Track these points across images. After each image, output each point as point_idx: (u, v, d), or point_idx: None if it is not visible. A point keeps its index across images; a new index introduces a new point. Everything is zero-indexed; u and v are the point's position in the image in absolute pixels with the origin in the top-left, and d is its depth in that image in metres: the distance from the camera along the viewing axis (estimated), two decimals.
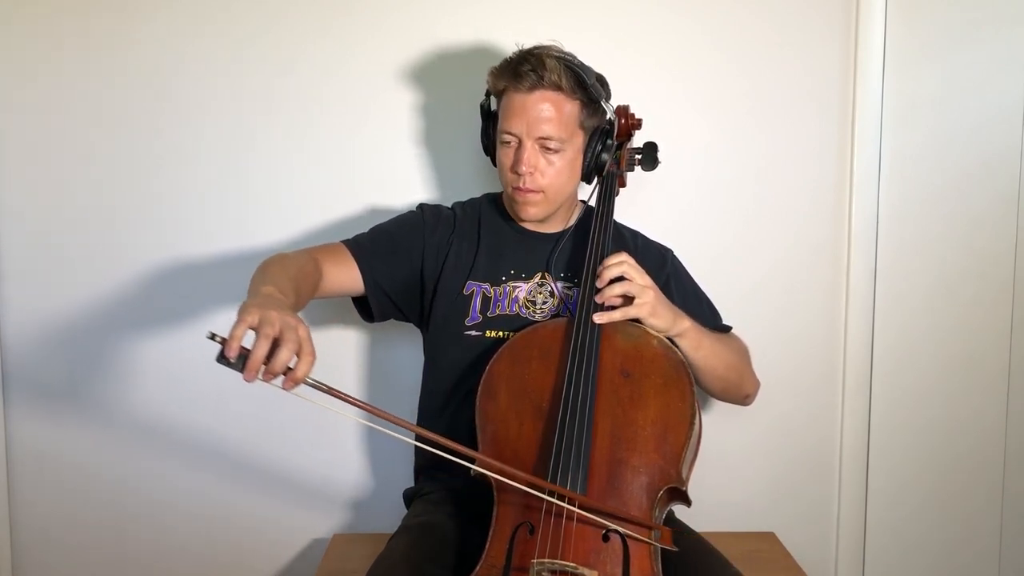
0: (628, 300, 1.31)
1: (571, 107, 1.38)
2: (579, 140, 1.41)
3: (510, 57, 1.40)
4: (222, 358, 0.98)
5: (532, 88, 1.36)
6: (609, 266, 1.32)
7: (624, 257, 1.33)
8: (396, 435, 1.13)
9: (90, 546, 1.79)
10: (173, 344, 1.76)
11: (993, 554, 1.87)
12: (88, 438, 1.77)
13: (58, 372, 1.76)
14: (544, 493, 1.14)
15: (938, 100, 1.77)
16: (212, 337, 0.98)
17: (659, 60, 1.74)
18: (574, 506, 1.14)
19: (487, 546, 1.19)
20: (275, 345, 1.00)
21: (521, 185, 1.39)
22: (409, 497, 1.53)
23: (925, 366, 1.83)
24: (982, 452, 1.85)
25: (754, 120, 1.76)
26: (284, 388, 1.02)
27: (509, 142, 1.40)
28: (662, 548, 1.16)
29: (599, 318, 1.30)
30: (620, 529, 1.14)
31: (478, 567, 1.17)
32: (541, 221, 1.48)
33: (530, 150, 1.37)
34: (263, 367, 0.99)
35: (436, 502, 1.43)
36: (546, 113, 1.36)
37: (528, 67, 1.35)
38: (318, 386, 1.03)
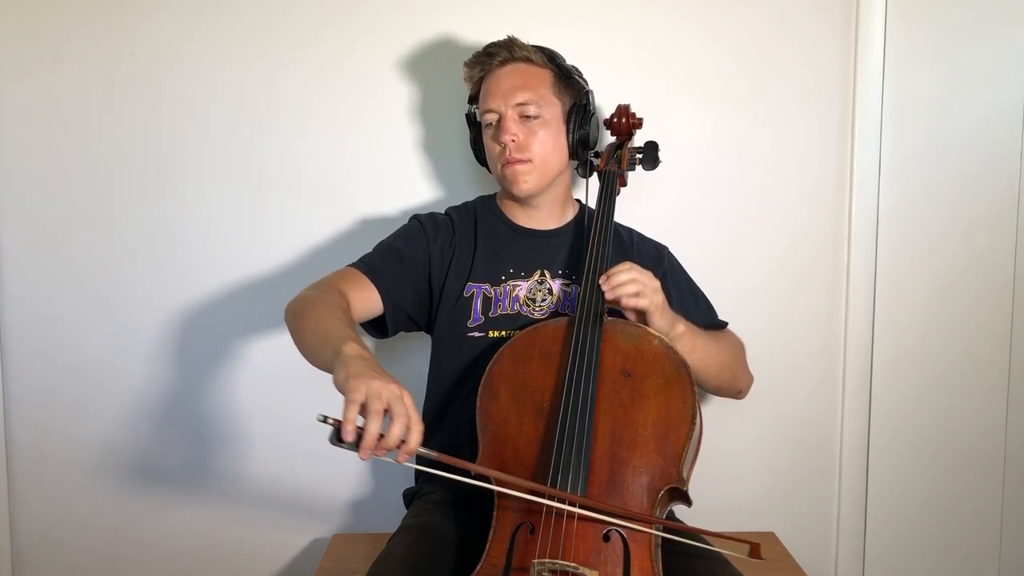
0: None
1: (543, 75, 1.45)
2: (557, 110, 1.45)
3: (476, 51, 1.48)
4: (336, 439, 1.00)
5: (504, 62, 1.45)
6: (619, 271, 1.32)
7: (630, 265, 1.33)
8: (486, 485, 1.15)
9: (90, 546, 1.79)
10: (173, 343, 1.76)
11: (993, 554, 1.87)
12: (88, 438, 1.77)
13: (58, 372, 1.76)
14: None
15: (938, 100, 1.77)
16: (324, 420, 1.00)
17: (660, 60, 1.74)
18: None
19: (488, 546, 1.19)
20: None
21: (508, 156, 1.42)
22: (409, 497, 1.53)
23: (925, 366, 1.83)
24: (982, 452, 1.85)
25: (754, 120, 1.76)
26: (397, 461, 1.04)
27: (491, 122, 1.44)
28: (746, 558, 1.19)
29: (609, 291, 1.29)
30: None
31: (479, 567, 1.17)
32: (536, 207, 1.49)
33: (510, 119, 1.42)
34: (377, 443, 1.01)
35: (436, 502, 1.43)
36: (520, 81, 1.43)
37: (498, 47, 1.45)
38: (428, 455, 1.06)
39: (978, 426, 1.85)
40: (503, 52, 1.44)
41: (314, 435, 1.76)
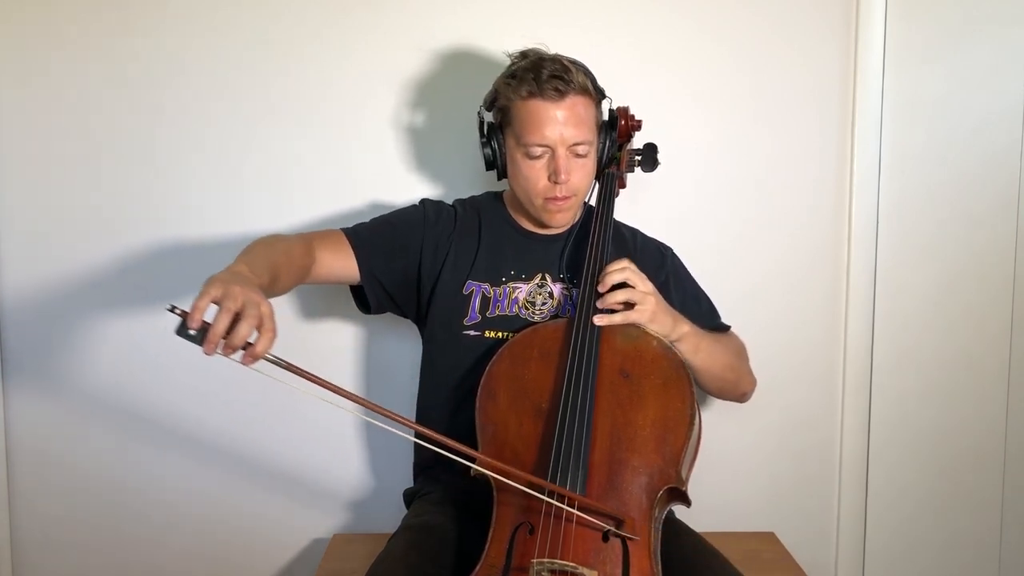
0: (629, 305, 1.31)
1: (593, 108, 1.39)
2: (597, 140, 1.42)
3: (524, 65, 1.35)
4: (182, 330, 0.98)
5: (562, 95, 1.33)
6: (611, 272, 1.32)
7: (626, 263, 1.33)
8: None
9: (90, 546, 1.79)
10: (174, 343, 1.75)
11: (993, 554, 1.87)
12: (88, 438, 1.77)
13: (58, 371, 1.76)
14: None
15: (938, 100, 1.77)
16: (172, 309, 0.99)
17: (659, 61, 1.74)
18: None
19: (487, 546, 1.19)
20: (237, 320, 1.00)
21: (559, 194, 1.38)
22: (409, 497, 1.53)
23: (925, 366, 1.83)
24: (982, 452, 1.85)
25: (754, 120, 1.76)
26: (243, 363, 1.02)
27: (540, 155, 1.36)
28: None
29: (599, 320, 1.30)
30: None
31: (478, 567, 1.17)
32: None
33: (565, 158, 1.35)
34: (223, 341, 1.00)
35: (436, 502, 1.42)
36: (577, 120, 1.35)
37: (550, 73, 1.32)
38: (278, 362, 1.02)
39: (978, 425, 1.85)
40: (558, 83, 1.32)
41: (315, 435, 1.77)
